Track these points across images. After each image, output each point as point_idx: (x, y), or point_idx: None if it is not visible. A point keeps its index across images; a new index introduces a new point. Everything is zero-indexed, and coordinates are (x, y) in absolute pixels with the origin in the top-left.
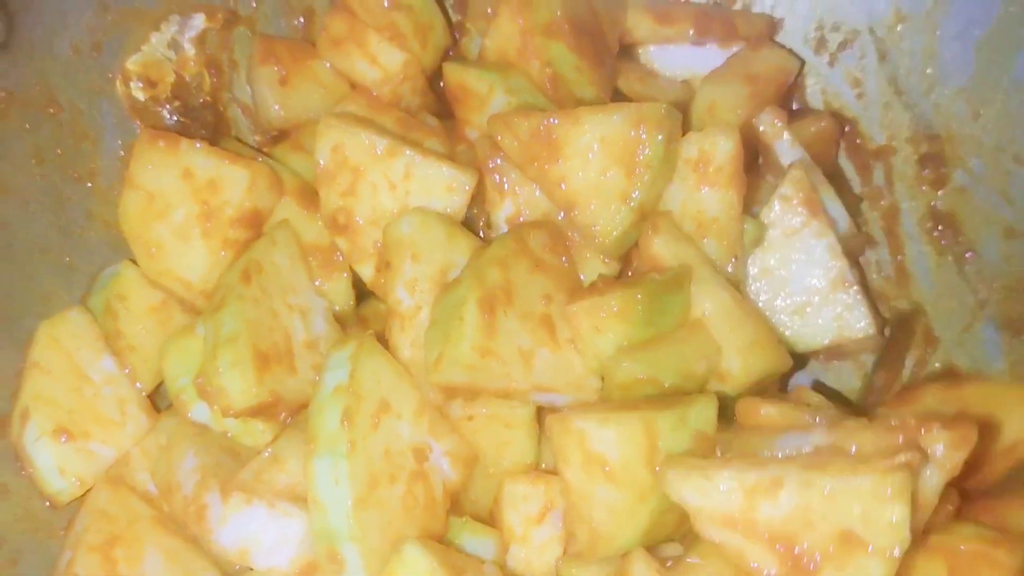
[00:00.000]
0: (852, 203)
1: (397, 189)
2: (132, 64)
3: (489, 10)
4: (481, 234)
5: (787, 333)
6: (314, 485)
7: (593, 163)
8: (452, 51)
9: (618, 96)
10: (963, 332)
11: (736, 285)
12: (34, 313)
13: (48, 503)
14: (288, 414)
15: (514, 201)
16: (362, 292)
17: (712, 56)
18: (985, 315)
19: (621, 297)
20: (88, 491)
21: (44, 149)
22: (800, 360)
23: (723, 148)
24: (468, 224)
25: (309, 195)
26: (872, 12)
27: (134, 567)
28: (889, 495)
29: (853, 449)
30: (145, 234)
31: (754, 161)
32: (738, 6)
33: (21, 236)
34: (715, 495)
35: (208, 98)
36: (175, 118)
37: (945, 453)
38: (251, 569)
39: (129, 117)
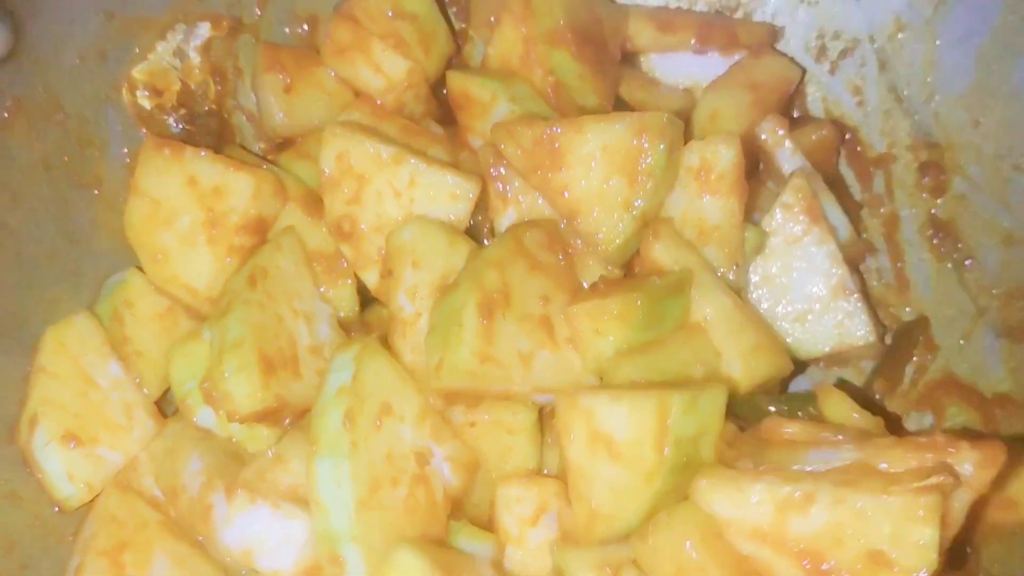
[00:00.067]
0: (852, 210)
1: (401, 197)
2: (138, 72)
3: (492, 18)
4: (485, 242)
5: (788, 340)
6: (316, 486)
7: (596, 171)
8: (455, 59)
9: (620, 104)
10: (963, 339)
11: (738, 292)
12: (41, 319)
13: (57, 508)
14: (292, 419)
15: (517, 209)
16: (367, 298)
17: (714, 64)
18: (985, 322)
19: (621, 300)
20: (97, 496)
21: (51, 157)
22: (800, 366)
23: (725, 156)
24: (472, 232)
25: (314, 202)
26: (872, 21)
27: (142, 572)
28: (920, 516)
29: (883, 466)
30: (151, 241)
31: (755, 169)
32: (739, 15)
33: (28, 243)
34: (746, 507)
35: (213, 106)
36: (180, 126)
37: (974, 472)
38: (256, 572)
39: (135, 125)
